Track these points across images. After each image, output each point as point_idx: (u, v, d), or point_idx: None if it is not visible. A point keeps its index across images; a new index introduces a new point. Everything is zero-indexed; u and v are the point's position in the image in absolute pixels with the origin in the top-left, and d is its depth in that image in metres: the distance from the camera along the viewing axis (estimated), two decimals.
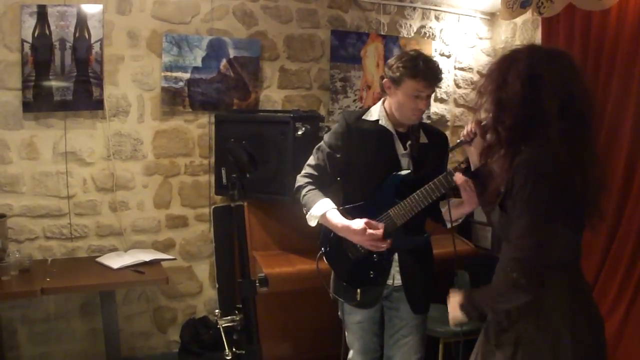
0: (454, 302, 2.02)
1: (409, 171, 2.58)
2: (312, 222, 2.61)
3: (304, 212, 2.63)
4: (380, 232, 2.48)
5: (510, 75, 1.83)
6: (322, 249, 2.74)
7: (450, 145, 2.64)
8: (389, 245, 2.51)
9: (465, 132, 2.30)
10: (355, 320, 2.77)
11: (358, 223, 2.49)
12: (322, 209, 2.56)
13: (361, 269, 2.64)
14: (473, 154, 2.29)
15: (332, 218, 2.55)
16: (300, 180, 2.69)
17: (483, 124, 2.15)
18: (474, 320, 2.03)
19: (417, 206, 2.49)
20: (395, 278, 2.65)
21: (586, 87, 1.90)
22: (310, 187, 2.64)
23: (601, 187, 1.90)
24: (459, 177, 2.38)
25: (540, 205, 1.77)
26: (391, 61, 2.58)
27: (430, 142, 2.67)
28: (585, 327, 1.85)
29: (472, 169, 2.33)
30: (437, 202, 2.56)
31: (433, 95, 4.71)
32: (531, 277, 1.77)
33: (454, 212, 2.56)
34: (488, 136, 1.98)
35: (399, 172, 2.58)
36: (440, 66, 2.56)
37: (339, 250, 2.67)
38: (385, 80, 2.59)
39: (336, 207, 2.59)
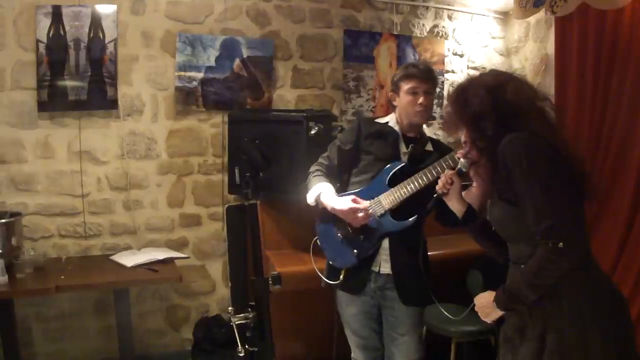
0: (485, 301, 2.04)
1: (404, 164, 2.72)
2: (310, 200, 2.80)
3: (306, 191, 2.84)
4: (362, 206, 2.65)
5: (470, 92, 1.95)
6: (317, 237, 2.93)
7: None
8: (366, 217, 2.66)
9: (439, 186, 2.28)
10: (350, 313, 2.85)
11: (345, 199, 2.69)
12: (320, 189, 2.76)
13: (347, 247, 2.77)
14: (454, 203, 2.27)
15: (326, 197, 2.74)
16: (312, 167, 2.93)
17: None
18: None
19: (405, 192, 2.64)
20: (382, 266, 2.73)
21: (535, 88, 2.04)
22: (318, 172, 2.86)
23: (584, 171, 1.95)
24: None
25: (543, 169, 1.82)
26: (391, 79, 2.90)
27: (435, 151, 2.81)
28: (608, 310, 1.84)
29: (460, 216, 2.28)
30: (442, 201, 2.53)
31: (444, 94, 4.81)
32: (567, 238, 1.78)
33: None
34: (470, 154, 2.04)
35: (394, 163, 2.73)
36: (431, 67, 2.85)
37: (329, 231, 2.84)
38: (390, 94, 2.86)
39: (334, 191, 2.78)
